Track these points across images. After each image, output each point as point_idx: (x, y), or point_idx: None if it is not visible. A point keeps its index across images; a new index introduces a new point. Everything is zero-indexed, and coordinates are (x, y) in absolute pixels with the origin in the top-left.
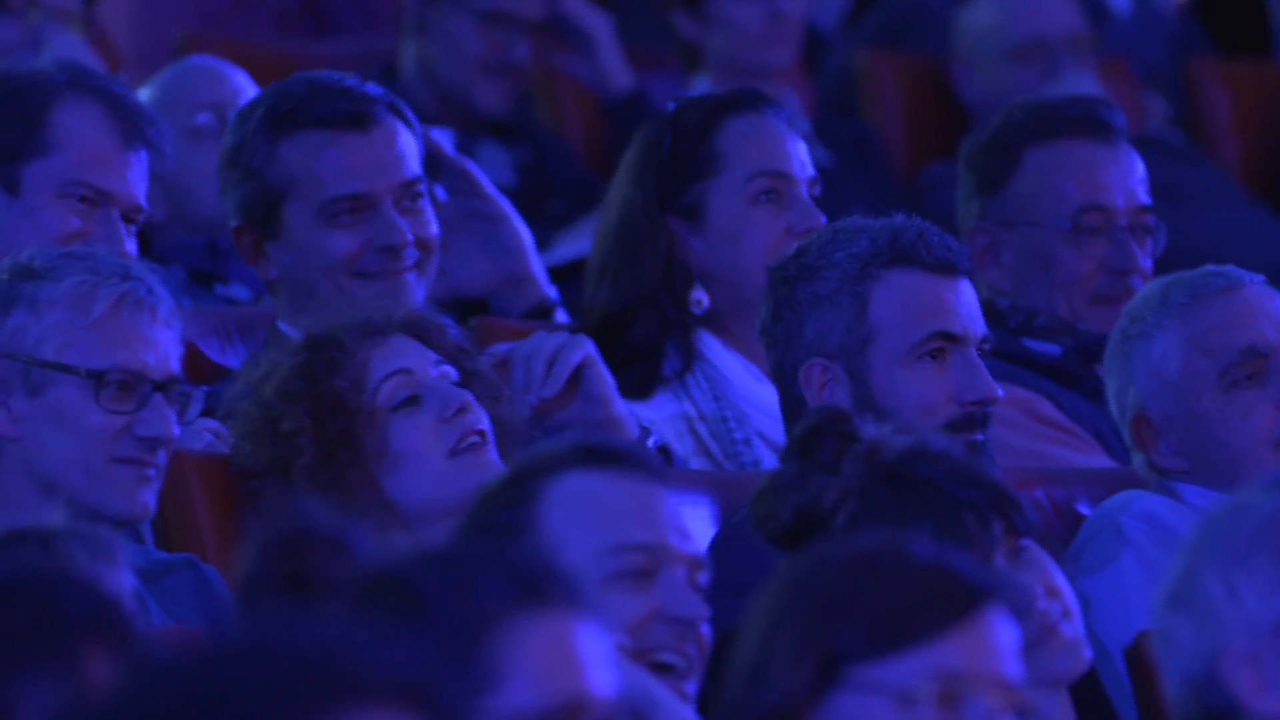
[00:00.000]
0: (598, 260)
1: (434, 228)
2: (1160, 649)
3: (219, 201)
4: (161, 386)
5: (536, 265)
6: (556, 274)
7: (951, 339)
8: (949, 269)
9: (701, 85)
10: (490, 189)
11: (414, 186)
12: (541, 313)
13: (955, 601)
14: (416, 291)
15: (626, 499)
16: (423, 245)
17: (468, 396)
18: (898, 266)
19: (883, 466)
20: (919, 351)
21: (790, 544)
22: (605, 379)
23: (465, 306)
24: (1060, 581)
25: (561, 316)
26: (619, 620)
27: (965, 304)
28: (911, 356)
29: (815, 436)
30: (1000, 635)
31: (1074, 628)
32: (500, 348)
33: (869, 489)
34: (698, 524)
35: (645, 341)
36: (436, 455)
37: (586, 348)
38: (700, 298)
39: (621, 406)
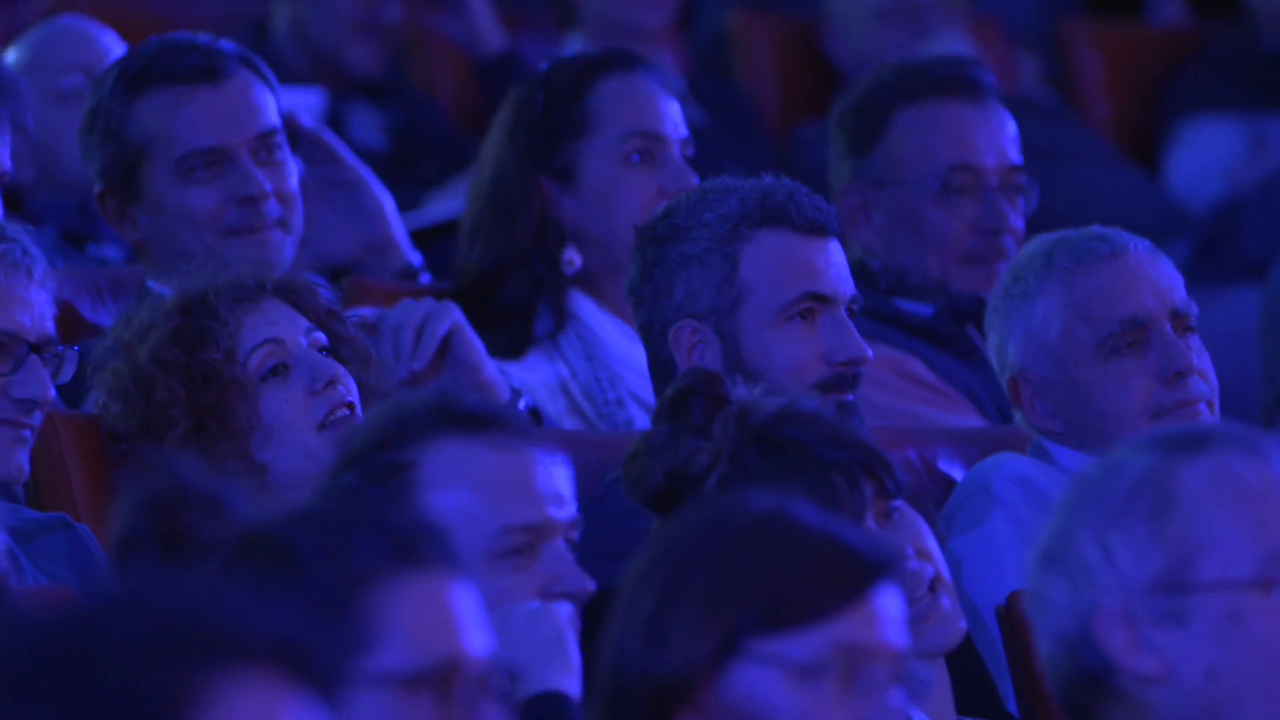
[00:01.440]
0: (470, 221)
1: (293, 182)
2: (1033, 608)
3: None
4: (37, 348)
5: (399, 231)
6: (428, 235)
7: (821, 300)
8: (818, 230)
9: (574, 45)
10: (348, 156)
11: (270, 139)
12: (405, 278)
13: (852, 578)
14: (283, 249)
15: (504, 474)
16: (283, 199)
17: (337, 369)
18: (767, 227)
19: (753, 429)
20: (789, 312)
21: (661, 506)
22: (474, 345)
23: (331, 275)
24: (931, 544)
25: (425, 281)
26: (504, 599)
27: (835, 265)
28: (781, 317)
29: (685, 399)
30: (891, 607)
31: (951, 599)
32: (366, 313)
33: (739, 451)
34: (567, 484)
35: (517, 301)
36: (306, 427)
37: (453, 315)
38: (572, 258)
39: (492, 370)
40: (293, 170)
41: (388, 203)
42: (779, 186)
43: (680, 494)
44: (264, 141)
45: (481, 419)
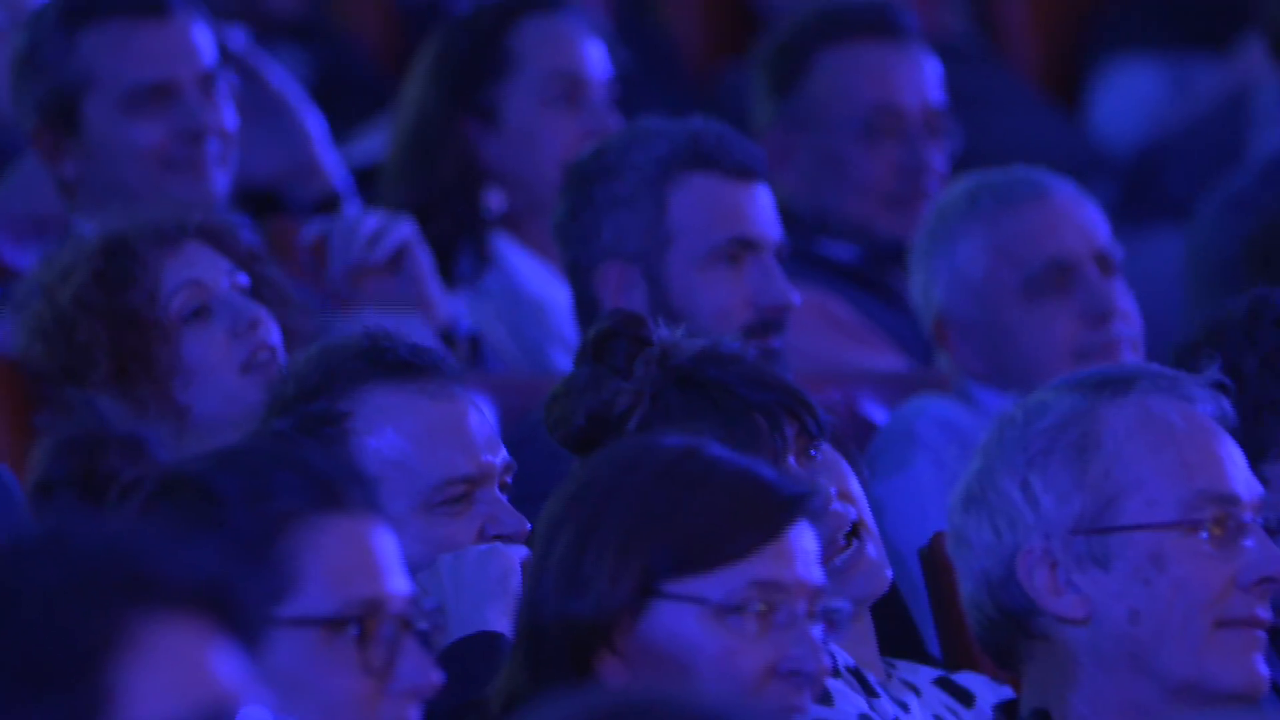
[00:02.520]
0: (392, 163)
1: (233, 121)
2: (955, 550)
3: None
4: None
5: (325, 156)
6: (352, 178)
7: (748, 245)
8: (748, 174)
9: None
10: (275, 80)
11: (213, 77)
12: (330, 204)
13: (768, 516)
14: (219, 184)
15: (440, 424)
16: (223, 136)
17: (259, 311)
18: (697, 170)
19: (674, 369)
20: (716, 256)
21: (583, 448)
22: (424, 261)
23: (255, 201)
24: (853, 485)
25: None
26: (441, 545)
27: (763, 210)
28: (708, 261)
29: (608, 340)
30: (807, 544)
31: (877, 548)
32: (313, 229)
33: (660, 392)
34: (495, 429)
35: (440, 244)
36: (227, 370)
37: (411, 227)
38: (495, 199)
39: (436, 289)
40: (231, 110)
41: (315, 127)
42: (709, 129)
43: (602, 435)
44: (208, 78)
45: (414, 366)
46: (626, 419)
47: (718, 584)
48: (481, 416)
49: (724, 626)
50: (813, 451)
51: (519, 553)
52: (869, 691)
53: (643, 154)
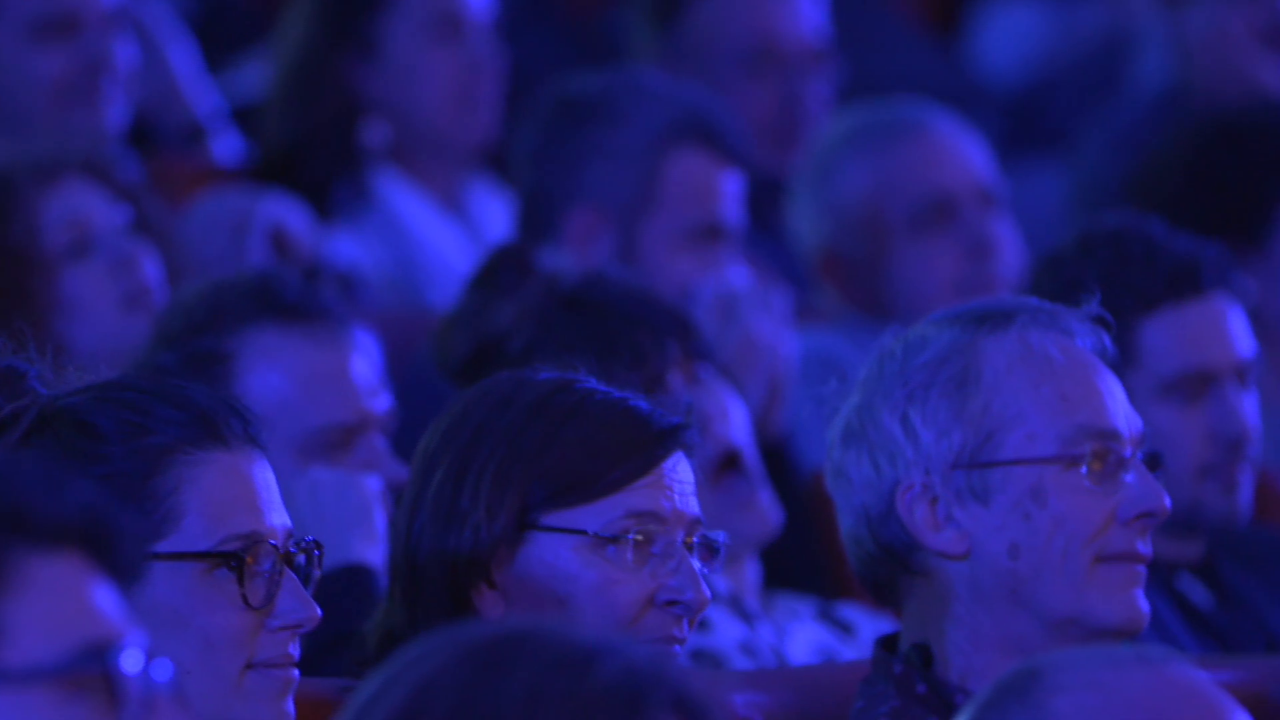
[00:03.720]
0: (271, 98)
1: (133, 56)
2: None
3: None
4: None
5: (190, 88)
6: (230, 110)
7: (719, 231)
8: (739, 160)
9: None
10: (141, 9)
11: (120, 14)
12: (197, 135)
13: (643, 447)
14: (115, 118)
15: (323, 370)
16: (122, 71)
17: (139, 247)
18: (699, 145)
19: (560, 293)
20: (692, 234)
21: (469, 377)
22: (299, 237)
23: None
24: (732, 407)
25: (225, 145)
26: None
27: (737, 198)
28: (685, 236)
29: (497, 267)
30: (683, 475)
31: (767, 491)
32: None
33: (546, 315)
34: (377, 373)
35: (319, 179)
36: (107, 306)
37: (274, 212)
38: (376, 133)
39: (311, 249)
40: (133, 46)
41: (180, 58)
42: (715, 106)
43: (488, 364)
44: (114, 14)
45: (302, 309)
46: (512, 342)
47: (595, 515)
48: (367, 363)
49: (602, 558)
50: (697, 373)
51: (374, 484)
52: (748, 619)
53: (648, 111)
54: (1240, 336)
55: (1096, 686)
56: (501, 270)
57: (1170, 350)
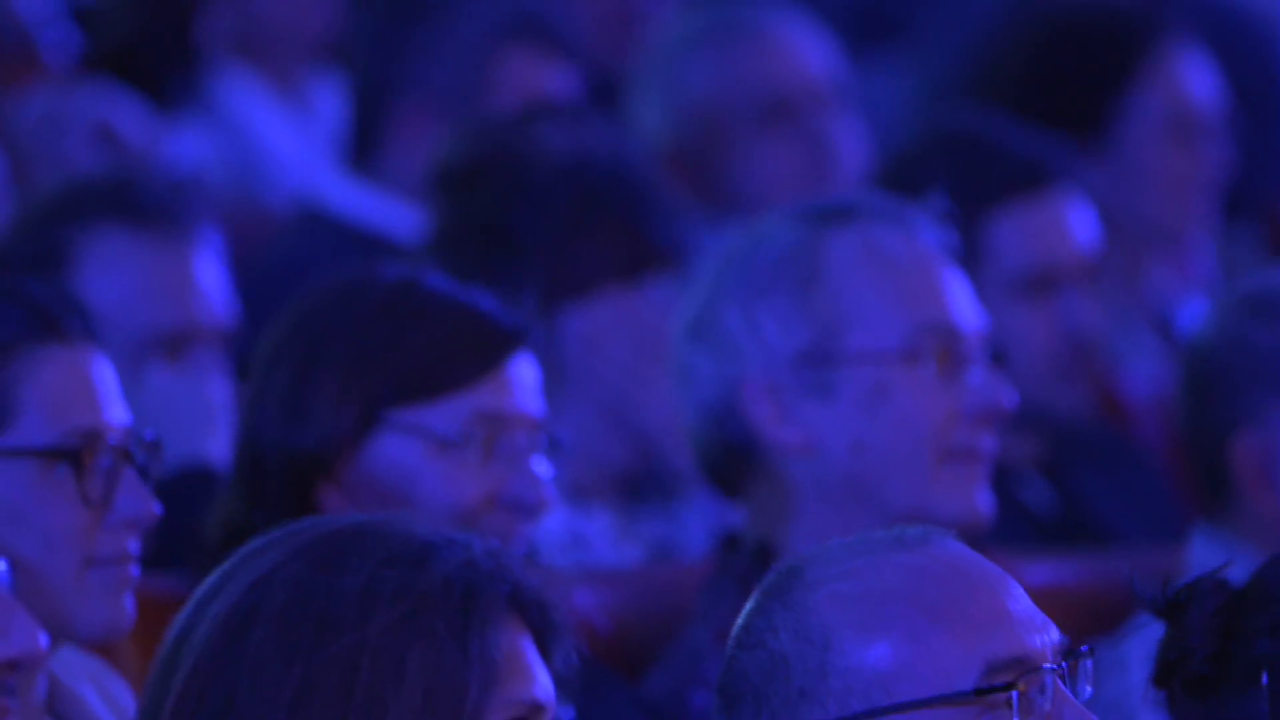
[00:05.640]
0: None
1: None
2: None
3: None
4: None
5: None
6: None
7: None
8: (565, 54)
9: None
10: None
11: None
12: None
13: (488, 347)
14: None
15: (163, 275)
16: None
17: None
18: (528, 41)
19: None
20: None
21: None
22: (128, 128)
23: None
24: None
25: (60, 40)
26: None
27: (566, 92)
28: None
29: None
30: (527, 376)
31: None
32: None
33: None
34: (221, 282)
35: (156, 73)
36: None
37: (100, 102)
38: (215, 25)
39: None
40: None
41: None
42: (547, 4)
43: None
44: None
45: (152, 210)
46: None
47: (439, 414)
48: (213, 272)
49: (445, 456)
50: None
51: (219, 386)
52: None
53: (480, 7)
54: (1086, 232)
55: (852, 575)
56: None
57: (1016, 247)
